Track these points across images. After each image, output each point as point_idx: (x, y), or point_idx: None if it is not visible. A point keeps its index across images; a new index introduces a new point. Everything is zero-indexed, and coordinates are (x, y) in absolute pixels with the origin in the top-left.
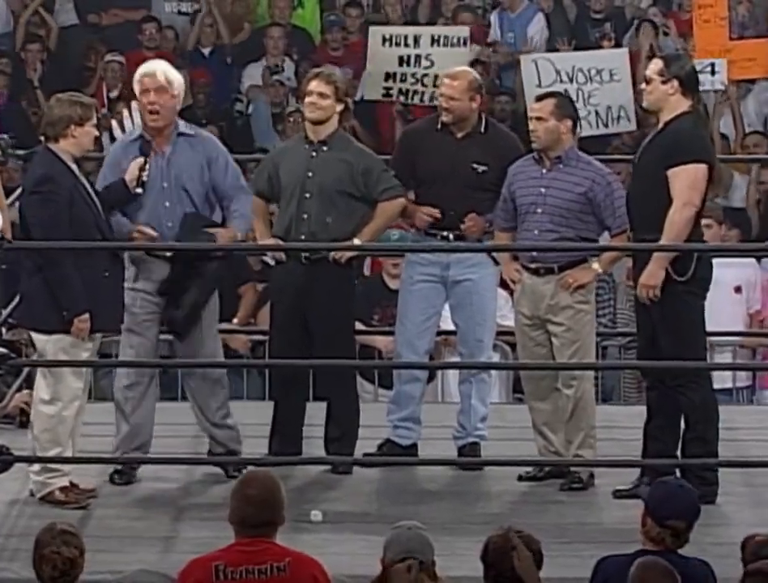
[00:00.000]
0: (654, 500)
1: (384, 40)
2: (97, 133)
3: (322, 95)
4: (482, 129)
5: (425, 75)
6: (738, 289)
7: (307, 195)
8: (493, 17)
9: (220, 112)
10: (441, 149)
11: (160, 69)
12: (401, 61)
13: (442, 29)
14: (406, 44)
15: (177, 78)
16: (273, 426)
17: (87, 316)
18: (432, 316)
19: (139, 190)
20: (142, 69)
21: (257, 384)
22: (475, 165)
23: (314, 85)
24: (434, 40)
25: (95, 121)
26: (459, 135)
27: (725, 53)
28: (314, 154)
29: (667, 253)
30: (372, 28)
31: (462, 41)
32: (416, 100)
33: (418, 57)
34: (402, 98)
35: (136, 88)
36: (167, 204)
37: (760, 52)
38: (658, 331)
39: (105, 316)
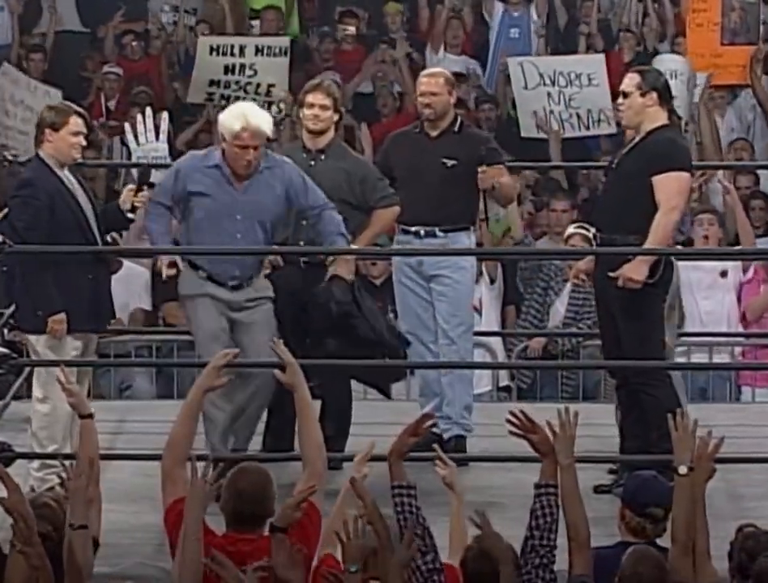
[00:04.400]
0: (630, 492)
1: (211, 49)
2: (79, 141)
3: (323, 107)
4: (456, 129)
5: (248, 83)
6: (724, 274)
7: None
8: (496, 17)
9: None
10: (414, 148)
11: (257, 120)
12: (226, 69)
13: (265, 39)
14: (232, 54)
15: (267, 119)
16: (267, 423)
17: (61, 316)
18: (428, 308)
19: (131, 215)
20: (240, 121)
21: None
22: (444, 160)
23: (316, 98)
24: (258, 50)
25: (75, 129)
26: (434, 134)
27: (715, 58)
28: (313, 162)
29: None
30: (201, 39)
31: (283, 51)
32: None
33: (243, 66)
34: (223, 102)
35: (229, 136)
36: (238, 236)
37: (749, 59)
38: (620, 330)
39: (88, 316)
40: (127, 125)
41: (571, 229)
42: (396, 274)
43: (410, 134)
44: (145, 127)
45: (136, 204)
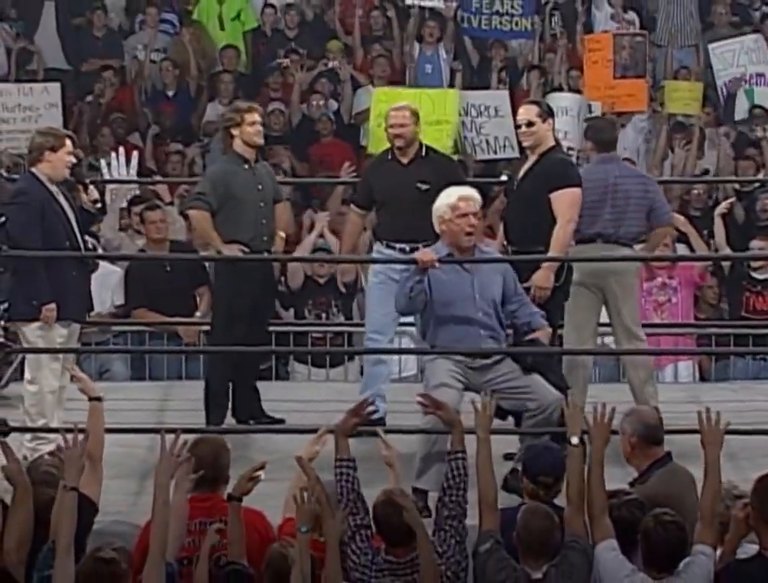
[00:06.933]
0: (526, 461)
1: None
2: (72, 159)
3: (261, 124)
4: (423, 154)
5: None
6: None
7: (261, 204)
8: (415, 55)
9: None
10: (390, 174)
11: (467, 189)
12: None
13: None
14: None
15: (478, 198)
16: (209, 401)
17: (52, 305)
18: (392, 310)
19: (95, 208)
20: (452, 196)
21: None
22: (419, 184)
23: (255, 117)
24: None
25: (69, 148)
26: (405, 161)
27: (609, 89)
28: (254, 172)
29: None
30: None
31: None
32: None
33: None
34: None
35: (449, 212)
36: (480, 315)
37: (638, 89)
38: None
39: (72, 307)
40: (103, 161)
41: None
42: (375, 277)
43: (383, 161)
44: (118, 163)
45: (94, 198)
